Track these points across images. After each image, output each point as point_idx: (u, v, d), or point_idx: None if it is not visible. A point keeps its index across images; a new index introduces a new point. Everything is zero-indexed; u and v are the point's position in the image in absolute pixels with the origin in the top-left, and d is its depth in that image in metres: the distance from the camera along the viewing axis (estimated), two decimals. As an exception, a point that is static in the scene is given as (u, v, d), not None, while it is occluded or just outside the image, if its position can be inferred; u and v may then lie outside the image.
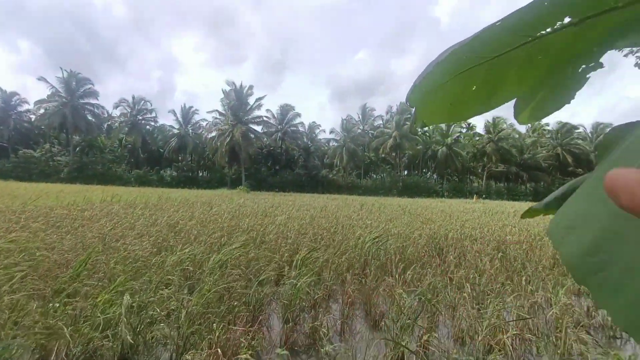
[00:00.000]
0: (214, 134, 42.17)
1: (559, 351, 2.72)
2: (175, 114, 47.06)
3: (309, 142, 51.70)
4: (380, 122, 51.56)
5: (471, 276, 4.40)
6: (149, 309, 2.88)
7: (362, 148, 48.53)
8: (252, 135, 41.49)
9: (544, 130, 49.62)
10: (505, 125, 46.02)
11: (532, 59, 0.37)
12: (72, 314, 2.62)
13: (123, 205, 10.12)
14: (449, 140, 45.31)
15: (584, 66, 0.37)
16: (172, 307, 3.04)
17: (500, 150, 44.34)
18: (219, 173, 46.02)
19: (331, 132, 49.69)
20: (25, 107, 44.00)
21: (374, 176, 54.47)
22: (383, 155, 47.68)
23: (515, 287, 3.96)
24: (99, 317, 2.50)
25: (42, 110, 40.47)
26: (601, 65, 0.37)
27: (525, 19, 0.33)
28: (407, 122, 44.86)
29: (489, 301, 3.44)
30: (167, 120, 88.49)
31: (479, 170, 49.50)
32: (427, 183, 46.43)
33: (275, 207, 11.86)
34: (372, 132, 50.24)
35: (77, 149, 42.51)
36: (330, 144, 50.59)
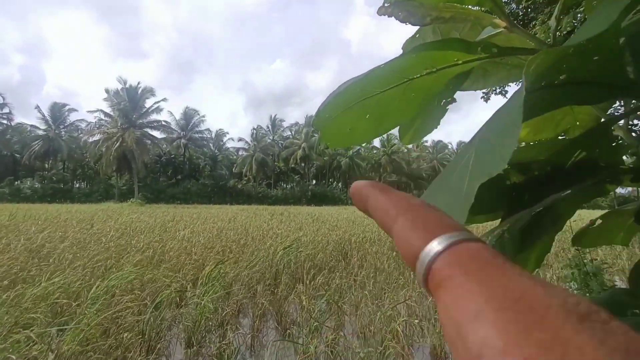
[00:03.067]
0: (97, 137, 35.69)
1: (437, 331, 3.27)
2: (41, 112, 38.01)
3: (216, 151, 48.95)
4: (289, 133, 52.87)
5: (372, 275, 4.90)
6: (-2, 360, 2.23)
7: (272, 158, 48.67)
8: (149, 141, 36.78)
9: (425, 146, 59.56)
10: (396, 141, 53.21)
11: (407, 95, 0.49)
12: None
13: (-48, 228, 7.54)
14: (350, 152, 49.66)
15: (444, 100, 0.51)
16: (35, 352, 2.43)
17: (393, 162, 50.99)
18: (104, 184, 38.97)
19: (239, 140, 48.32)
20: None
21: (284, 186, 55.12)
22: (293, 166, 48.83)
23: (406, 281, 4.58)
24: None
25: None
26: (455, 100, 0.52)
27: (402, 66, 0.44)
28: (315, 135, 47.32)
29: (386, 295, 3.89)
30: (29, 118, 70.54)
31: (377, 179, 55.66)
32: (333, 192, 49.60)
33: (176, 221, 10.75)
34: (281, 142, 50.97)
35: None
36: (240, 153, 49.06)
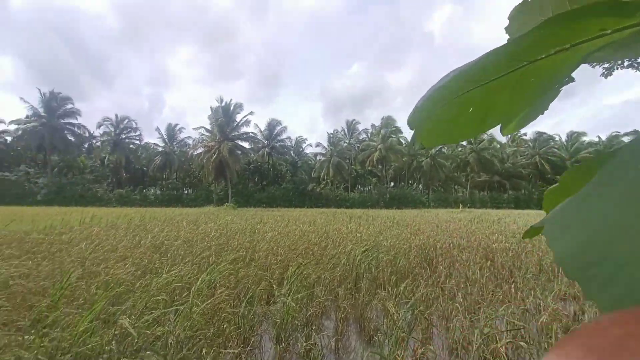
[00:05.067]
0: (200, 150, 41.72)
1: None
2: (160, 132, 46.45)
3: (296, 157, 51.87)
4: (365, 135, 52.46)
5: (462, 285, 4.43)
6: (132, 335, 2.74)
7: (349, 161, 49.01)
8: (239, 152, 41.26)
9: (522, 140, 51.68)
10: (486, 136, 47.66)
11: (524, 82, 0.40)
12: (50, 346, 2.46)
13: (104, 227, 9.76)
14: (432, 151, 46.42)
15: (565, 79, 0.40)
16: (159, 333, 2.90)
17: (482, 160, 45.71)
18: (205, 190, 45.23)
19: (317, 145, 50.10)
20: (1, 127, 42.47)
21: (361, 189, 54.88)
22: (369, 168, 48.28)
23: (505, 294, 4.00)
24: (80, 349, 2.36)
25: (20, 131, 39.13)
26: (573, 79, 0.41)
27: (523, 46, 0.36)
28: (392, 135, 45.83)
29: (481, 310, 3.45)
30: (153, 138, 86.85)
31: (463, 180, 50.73)
32: (413, 194, 47.08)
33: (263, 224, 11.71)
34: (357, 145, 50.96)
35: (55, 169, 41.10)
36: (317, 158, 50.91)
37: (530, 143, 50.18)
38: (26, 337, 2.54)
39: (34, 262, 4.86)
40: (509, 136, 53.64)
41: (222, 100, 40.92)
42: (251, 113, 42.30)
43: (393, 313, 3.39)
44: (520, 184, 48.67)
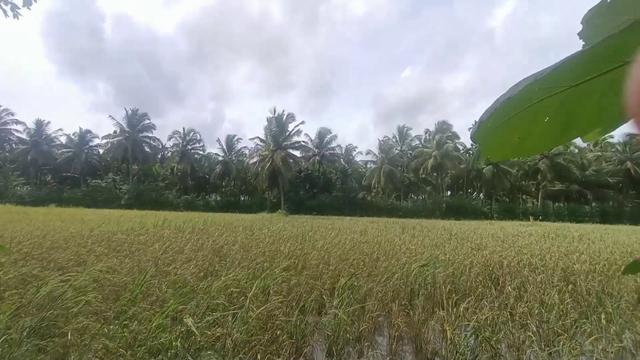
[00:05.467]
0: (255, 159, 44.23)
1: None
2: (220, 143, 50.40)
3: (346, 165, 51.91)
4: (418, 142, 50.40)
5: (536, 311, 3.91)
6: (196, 335, 2.93)
7: (401, 169, 47.47)
8: (291, 160, 42.74)
9: (608, 143, 44.72)
10: (560, 140, 42.32)
11: (616, 85, 0.35)
12: (129, 337, 2.76)
13: (173, 230, 10.79)
14: (495, 158, 42.62)
15: None
16: (218, 334, 3.07)
17: (557, 167, 40.56)
18: (260, 197, 47.65)
19: (367, 153, 49.54)
20: (95, 141, 50.19)
21: (415, 198, 52.62)
22: (423, 176, 46.11)
23: (593, 326, 3.42)
24: (153, 342, 2.59)
25: (108, 145, 45.86)
26: None
27: (618, 45, 0.32)
28: (448, 141, 43.30)
29: (561, 343, 3.00)
30: (214, 148, 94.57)
31: (533, 189, 45.53)
32: (474, 204, 43.54)
33: (314, 232, 11.84)
34: (410, 152, 49.18)
35: (135, 177, 47.04)
36: (368, 166, 50.29)
37: (618, 147, 43.11)
38: (111, 327, 2.88)
39: (118, 259, 5.56)
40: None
41: (275, 111, 43.01)
42: (302, 122, 43.72)
43: (453, 335, 3.12)
44: (606, 194, 41.99)
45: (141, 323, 3.00)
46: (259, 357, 2.76)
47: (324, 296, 4.34)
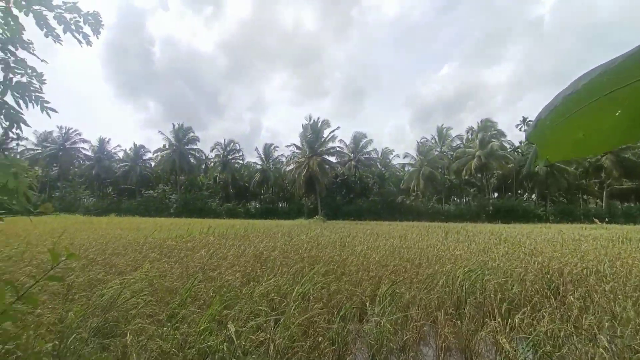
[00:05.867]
0: (291, 166, 45.20)
1: None
2: (258, 152, 52.34)
3: (382, 168, 50.99)
4: (459, 142, 47.98)
5: (606, 324, 3.47)
6: (240, 339, 3.03)
7: (441, 171, 45.46)
8: (327, 166, 43.00)
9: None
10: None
11: None
12: (180, 339, 2.92)
13: (217, 237, 11.35)
14: (548, 155, 39.09)
15: None
16: (261, 339, 3.14)
17: (624, 162, 36.11)
18: (297, 204, 48.43)
19: (405, 156, 48.20)
20: (147, 155, 54.85)
21: (457, 200, 49.98)
22: (467, 178, 43.68)
23: (682, 345, 2.94)
24: (201, 345, 2.72)
25: (159, 158, 49.86)
26: None
27: None
28: (493, 140, 40.68)
29: (641, 363, 2.62)
30: (253, 157, 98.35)
31: (596, 189, 40.94)
32: (525, 206, 40.15)
33: (352, 237, 11.72)
34: (451, 153, 46.97)
35: (182, 187, 50.45)
36: (406, 169, 48.89)
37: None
38: (164, 328, 3.08)
39: (169, 264, 5.95)
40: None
41: (310, 118, 43.75)
42: (337, 128, 44.09)
43: (508, 350, 2.87)
44: (689, 191, 36.44)
45: (190, 326, 3.16)
46: (301, 363, 2.76)
47: (366, 304, 4.25)
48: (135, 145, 54.60)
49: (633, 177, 36.95)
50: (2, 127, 1.75)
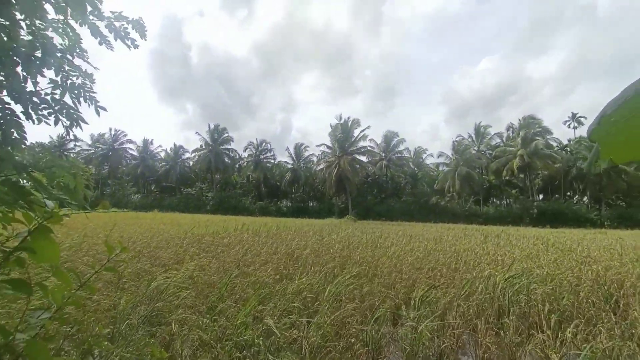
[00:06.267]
0: (322, 166, 45.38)
1: None
2: (289, 152, 53.19)
3: (415, 168, 49.54)
4: (499, 140, 45.22)
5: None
6: (275, 335, 3.09)
7: (479, 171, 43.16)
8: (357, 165, 42.63)
9: None
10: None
11: None
12: (218, 331, 3.05)
13: (251, 234, 11.70)
14: (602, 154, 35.57)
15: None
16: (294, 336, 3.17)
17: (696, 161, 31.93)
18: (328, 203, 48.57)
19: (440, 155, 46.36)
20: (186, 155, 58.00)
21: (497, 202, 47.19)
22: (507, 178, 41.08)
23: None
24: (238, 339, 2.81)
25: (196, 157, 52.53)
26: None
27: None
28: (537, 137, 37.87)
29: None
30: (284, 157, 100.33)
31: (662, 192, 36.60)
32: (575, 209, 36.87)
33: (384, 238, 11.51)
34: (489, 152, 44.43)
35: (218, 185, 52.70)
36: (440, 169, 47.05)
37: None
38: (204, 320, 3.23)
39: (207, 259, 6.24)
40: None
41: (340, 118, 43.60)
42: (368, 127, 43.42)
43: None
44: None
45: (228, 319, 3.28)
46: (335, 364, 2.76)
47: (400, 307, 4.14)
48: (175, 145, 58.06)
49: None
50: (64, 126, 1.93)
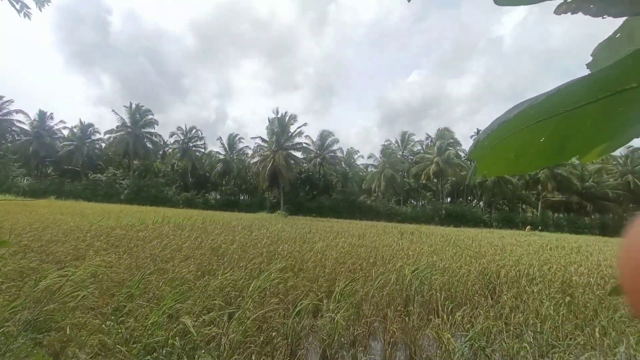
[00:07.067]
0: (256, 159, 44.29)
1: None
2: (222, 142, 50.45)
3: (347, 168, 51.96)
4: (420, 147, 50.48)
5: (531, 322, 3.92)
6: (192, 334, 2.95)
7: (402, 174, 47.50)
8: (292, 161, 42.78)
9: (610, 156, 44.66)
10: (561, 151, 42.44)
11: (610, 110, 0.37)
12: (125, 334, 2.77)
13: (172, 227, 10.81)
14: (496, 166, 42.54)
15: None
16: (213, 334, 3.08)
17: (557, 177, 40.59)
18: (259, 197, 47.62)
19: (369, 157, 49.58)
20: (97, 136, 50.26)
21: (414, 203, 52.59)
22: (424, 182, 46.12)
23: (587, 339, 3.43)
24: (149, 340, 2.61)
25: (111, 139, 46.00)
26: None
27: (612, 75, 0.35)
28: (450, 148, 43.34)
29: (555, 355, 3.01)
30: (216, 147, 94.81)
31: (533, 199, 45.55)
32: (474, 212, 43.52)
33: (313, 233, 11.85)
34: (411, 157, 49.22)
35: (136, 172, 47.11)
36: (369, 170, 50.31)
37: (620, 160, 43.16)
38: (108, 322, 2.90)
39: (117, 255, 5.57)
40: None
41: (277, 112, 43.14)
42: (305, 124, 43.81)
43: (448, 343, 3.13)
44: (607, 206, 41.96)
45: (137, 320, 3.01)
46: (253, 358, 2.77)
47: (320, 300, 4.35)
48: (82, 122, 49.74)
49: (564, 190, 41.68)
50: None
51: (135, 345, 2.62)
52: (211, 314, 3.38)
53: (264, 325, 3.42)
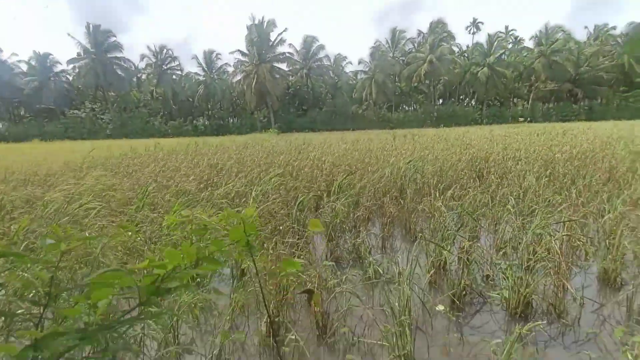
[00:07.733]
0: (239, 77, 41.44)
1: (610, 256, 2.67)
2: (198, 61, 46.13)
3: (335, 77, 49.15)
4: (412, 46, 46.80)
5: (514, 193, 4.27)
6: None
7: (393, 77, 45.27)
8: (278, 75, 40.14)
9: (610, 35, 41.95)
10: (560, 35, 39.72)
11: None
12: (144, 237, 3.00)
13: (166, 153, 10.77)
14: (491, 59, 40.42)
15: None
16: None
17: (552, 65, 38.98)
18: (249, 118, 46.31)
19: (359, 62, 46.36)
20: (59, 67, 45.41)
21: (406, 108, 51.68)
22: (416, 85, 44.35)
23: (564, 200, 3.80)
24: (169, 237, 2.83)
25: (77, 70, 41.81)
26: None
27: None
28: (443, 43, 40.30)
29: (537, 215, 3.36)
30: (193, 67, 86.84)
31: (524, 92, 44.75)
32: (465, 110, 43.23)
33: (307, 145, 11.93)
34: (403, 58, 46.12)
35: (115, 105, 44.49)
36: (359, 77, 47.69)
37: (619, 40, 40.65)
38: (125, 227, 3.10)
39: (118, 179, 5.66)
40: (590, 33, 43.92)
41: (254, 18, 38.43)
42: (285, 30, 39.62)
43: (440, 211, 3.44)
44: (597, 91, 41.50)
45: (152, 225, 3.22)
46: (264, 243, 3.07)
47: (320, 197, 4.62)
48: (37, 53, 44.30)
49: (558, 79, 40.54)
50: None
51: (155, 244, 2.87)
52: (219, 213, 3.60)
53: (272, 220, 3.70)
